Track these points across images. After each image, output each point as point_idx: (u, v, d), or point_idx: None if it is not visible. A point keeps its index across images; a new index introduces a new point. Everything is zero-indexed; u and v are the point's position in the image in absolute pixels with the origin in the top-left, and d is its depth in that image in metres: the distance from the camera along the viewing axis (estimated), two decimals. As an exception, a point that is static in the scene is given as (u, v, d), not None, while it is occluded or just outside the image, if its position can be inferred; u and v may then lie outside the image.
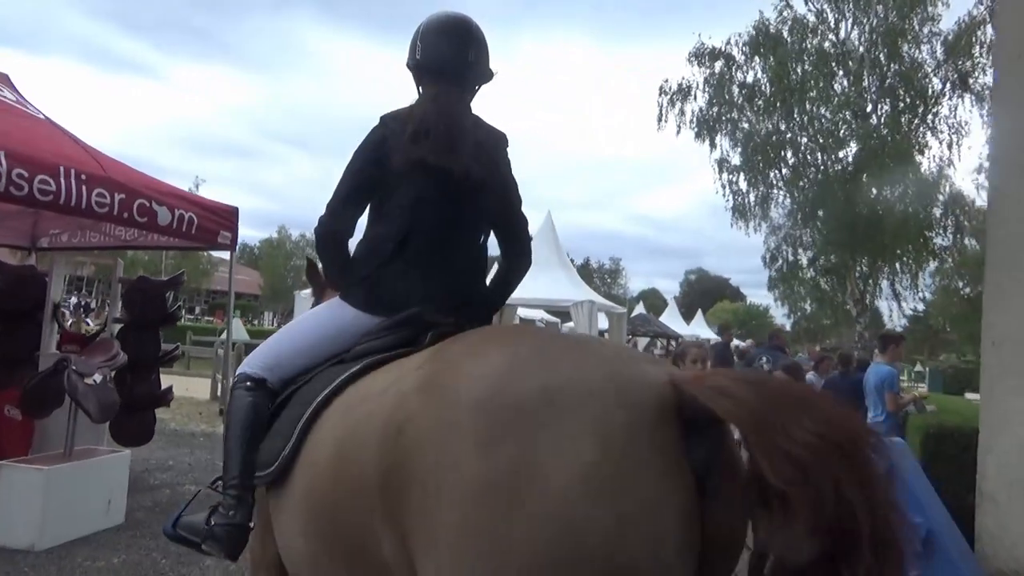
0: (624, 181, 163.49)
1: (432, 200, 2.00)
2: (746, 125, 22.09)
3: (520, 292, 2.54)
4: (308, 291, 25.86)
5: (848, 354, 8.47)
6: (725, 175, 22.65)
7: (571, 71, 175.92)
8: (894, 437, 6.04)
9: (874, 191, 20.12)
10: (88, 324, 11.51)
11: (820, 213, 20.64)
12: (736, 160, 22.40)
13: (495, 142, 2.19)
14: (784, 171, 21.51)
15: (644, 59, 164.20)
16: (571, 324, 31.07)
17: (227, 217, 6.54)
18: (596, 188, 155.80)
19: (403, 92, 2.33)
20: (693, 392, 1.29)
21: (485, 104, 2.30)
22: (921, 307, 32.79)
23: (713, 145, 22.36)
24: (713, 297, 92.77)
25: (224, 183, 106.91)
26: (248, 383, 2.01)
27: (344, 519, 1.57)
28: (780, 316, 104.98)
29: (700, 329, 48.59)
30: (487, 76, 2.25)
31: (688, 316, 49.10)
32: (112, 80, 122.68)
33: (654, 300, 72.61)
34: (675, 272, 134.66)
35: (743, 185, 22.12)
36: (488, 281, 2.25)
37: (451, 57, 2.12)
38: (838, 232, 19.90)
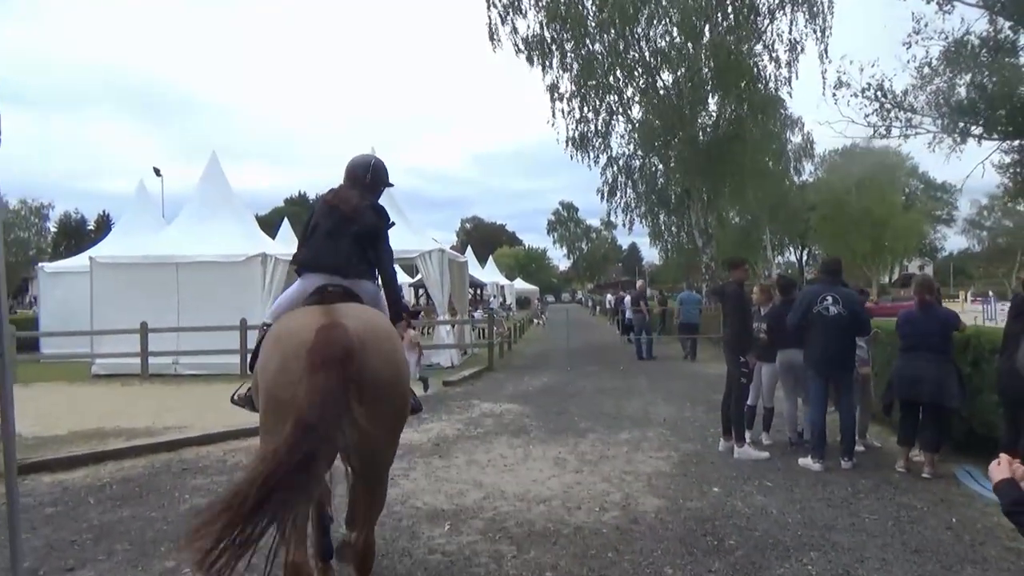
0: (393, 134, 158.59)
1: (323, 217, 3.70)
2: (572, 46, 20.12)
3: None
4: (55, 263, 19.78)
5: (788, 279, 6.90)
6: (558, 103, 20.70)
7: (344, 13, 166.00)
8: None
9: (714, 113, 19.33)
10: None
11: (664, 140, 19.45)
12: (568, 86, 20.52)
13: (372, 208, 3.76)
14: (625, 95, 20.01)
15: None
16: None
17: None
18: (364, 142, 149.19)
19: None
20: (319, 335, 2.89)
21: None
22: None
23: (545, 68, 20.22)
24: (492, 244, 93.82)
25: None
26: (266, 327, 3.61)
27: None
28: (558, 258, 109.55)
29: (493, 275, 48.49)
30: (384, 184, 4.02)
31: (481, 263, 49.20)
32: None
33: (436, 251, 71.14)
34: (447, 223, 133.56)
35: (583, 112, 20.30)
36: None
37: (354, 176, 3.88)
38: (683, 158, 18.89)
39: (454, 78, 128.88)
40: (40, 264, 20.60)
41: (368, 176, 3.86)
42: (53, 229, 63.35)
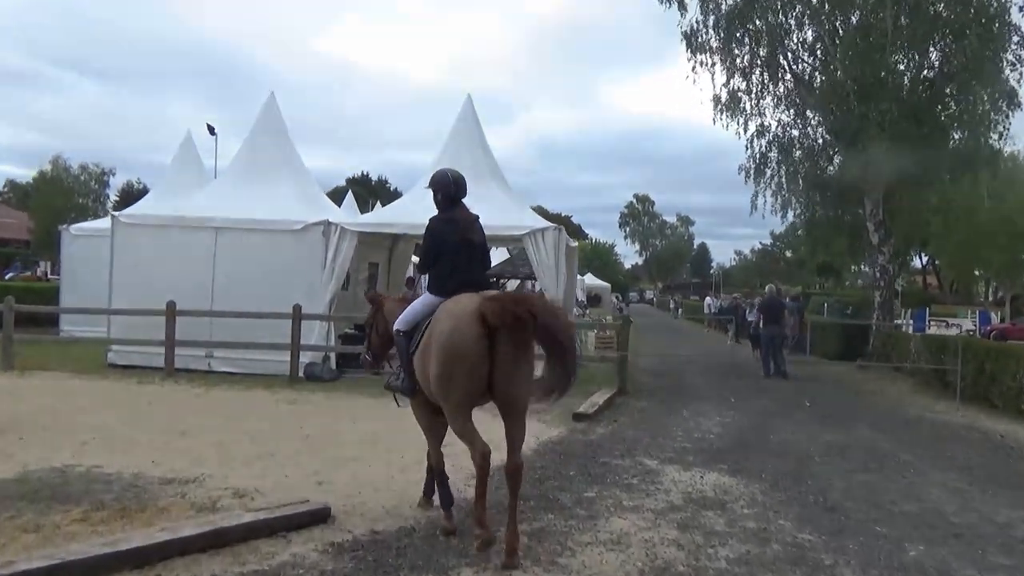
0: (452, 117, 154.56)
1: (457, 251, 4.70)
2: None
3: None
4: (78, 225, 16.48)
5: None
6: (699, 55, 16.40)
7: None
8: None
9: (907, 76, 14.75)
10: None
11: (846, 103, 14.88)
12: (711, 32, 16.17)
13: (476, 221, 4.83)
14: (790, 42, 15.57)
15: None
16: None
17: None
18: (420, 127, 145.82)
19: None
20: (484, 310, 4.05)
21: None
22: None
23: (683, 8, 15.95)
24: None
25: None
26: (401, 333, 4.70)
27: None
28: (630, 254, 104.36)
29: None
30: (465, 194, 4.97)
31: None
32: None
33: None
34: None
35: (733, 65, 15.95)
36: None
37: (453, 192, 4.84)
38: (877, 122, 14.25)
39: (518, 65, 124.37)
40: (63, 225, 17.32)
41: (462, 189, 4.92)
42: (114, 197, 61.56)
